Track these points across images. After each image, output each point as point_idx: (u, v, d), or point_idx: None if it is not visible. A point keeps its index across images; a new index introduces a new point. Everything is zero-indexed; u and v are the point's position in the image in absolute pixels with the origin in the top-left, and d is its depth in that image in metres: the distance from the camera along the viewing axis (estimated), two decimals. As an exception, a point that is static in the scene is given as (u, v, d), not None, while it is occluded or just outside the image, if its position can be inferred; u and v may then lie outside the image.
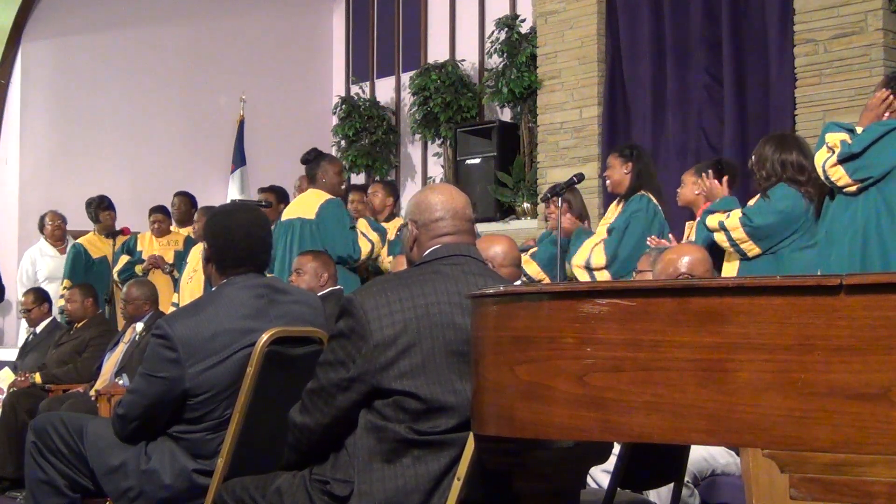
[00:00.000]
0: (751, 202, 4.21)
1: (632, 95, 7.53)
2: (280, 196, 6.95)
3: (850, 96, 6.07)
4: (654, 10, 7.40)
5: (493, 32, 8.43)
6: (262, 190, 7.10)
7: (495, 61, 8.43)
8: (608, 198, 7.31)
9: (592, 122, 7.58)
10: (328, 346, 2.21)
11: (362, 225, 5.72)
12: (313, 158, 5.65)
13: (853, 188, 3.76)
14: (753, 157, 4.23)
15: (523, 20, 8.38)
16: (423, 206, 2.35)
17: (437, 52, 9.39)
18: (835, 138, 3.80)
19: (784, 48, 6.59)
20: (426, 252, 2.31)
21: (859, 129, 3.81)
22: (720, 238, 4.14)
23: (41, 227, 7.76)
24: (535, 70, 7.95)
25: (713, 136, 7.04)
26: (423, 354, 2.09)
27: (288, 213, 5.71)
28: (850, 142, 3.75)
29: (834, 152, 3.76)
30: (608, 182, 5.01)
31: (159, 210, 7.47)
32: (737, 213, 4.11)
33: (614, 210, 4.94)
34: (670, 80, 7.29)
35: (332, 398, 2.16)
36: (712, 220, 4.17)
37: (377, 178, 9.26)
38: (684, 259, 3.32)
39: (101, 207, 7.52)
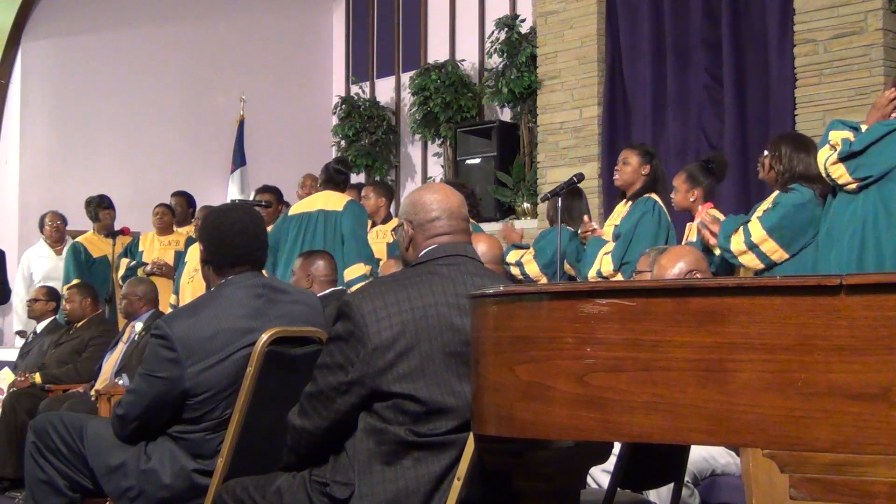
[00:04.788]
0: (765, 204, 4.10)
1: (632, 95, 7.53)
2: (279, 196, 6.92)
3: (850, 96, 6.07)
4: (654, 10, 7.40)
5: (493, 32, 8.43)
6: (259, 190, 7.01)
7: (495, 61, 8.42)
8: (608, 197, 7.32)
9: (592, 122, 7.58)
10: (326, 350, 2.20)
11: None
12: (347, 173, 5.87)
13: (853, 186, 3.74)
14: (771, 151, 4.13)
15: (523, 20, 8.38)
16: (418, 206, 2.35)
17: (437, 52, 9.38)
18: (837, 136, 3.76)
19: (784, 48, 6.59)
20: (422, 252, 2.30)
21: (864, 128, 3.77)
22: (748, 260, 3.97)
23: (41, 227, 7.74)
24: (535, 70, 7.95)
25: (713, 136, 7.04)
26: (422, 357, 2.09)
27: (304, 207, 5.65)
28: (852, 140, 3.72)
29: (836, 150, 3.74)
30: (619, 176, 4.84)
31: (163, 205, 7.40)
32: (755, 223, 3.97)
33: (621, 210, 4.84)
34: (670, 80, 7.29)
35: (331, 402, 2.15)
36: (737, 244, 3.99)
37: (377, 177, 9.26)
38: (679, 264, 3.32)
39: (101, 206, 7.51)
